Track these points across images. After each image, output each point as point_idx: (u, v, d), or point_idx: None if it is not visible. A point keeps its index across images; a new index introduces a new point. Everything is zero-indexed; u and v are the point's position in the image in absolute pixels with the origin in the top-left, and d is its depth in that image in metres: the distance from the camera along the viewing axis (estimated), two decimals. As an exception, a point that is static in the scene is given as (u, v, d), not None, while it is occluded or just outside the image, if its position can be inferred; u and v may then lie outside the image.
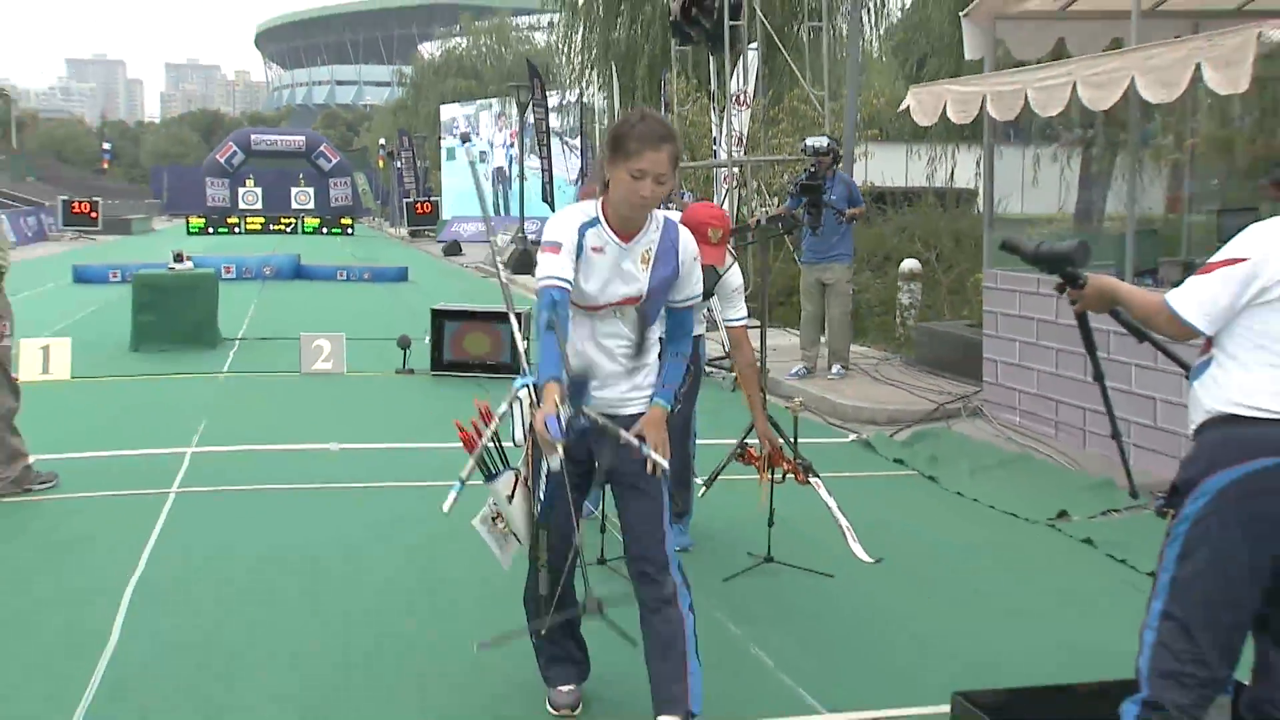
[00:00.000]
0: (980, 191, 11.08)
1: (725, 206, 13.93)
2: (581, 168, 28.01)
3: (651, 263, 3.51)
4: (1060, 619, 4.80)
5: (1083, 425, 7.49)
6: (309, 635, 4.45)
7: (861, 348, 11.79)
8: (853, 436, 8.40)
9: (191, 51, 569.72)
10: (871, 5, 20.66)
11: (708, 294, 5.00)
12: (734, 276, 5.41)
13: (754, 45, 13.19)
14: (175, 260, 12.38)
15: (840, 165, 10.25)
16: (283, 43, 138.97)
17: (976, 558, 5.68)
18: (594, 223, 3.47)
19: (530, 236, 24.53)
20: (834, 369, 10.27)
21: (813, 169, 9.44)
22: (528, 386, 3.59)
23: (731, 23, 12.16)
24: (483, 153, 40.57)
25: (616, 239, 3.46)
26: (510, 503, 3.66)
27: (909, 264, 12.73)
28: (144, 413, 8.70)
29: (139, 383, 10.01)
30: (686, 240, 3.59)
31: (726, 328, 5.41)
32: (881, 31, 22.72)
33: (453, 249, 30.69)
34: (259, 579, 5.09)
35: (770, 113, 17.00)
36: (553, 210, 25.95)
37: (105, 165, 60.55)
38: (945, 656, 4.37)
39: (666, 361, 3.65)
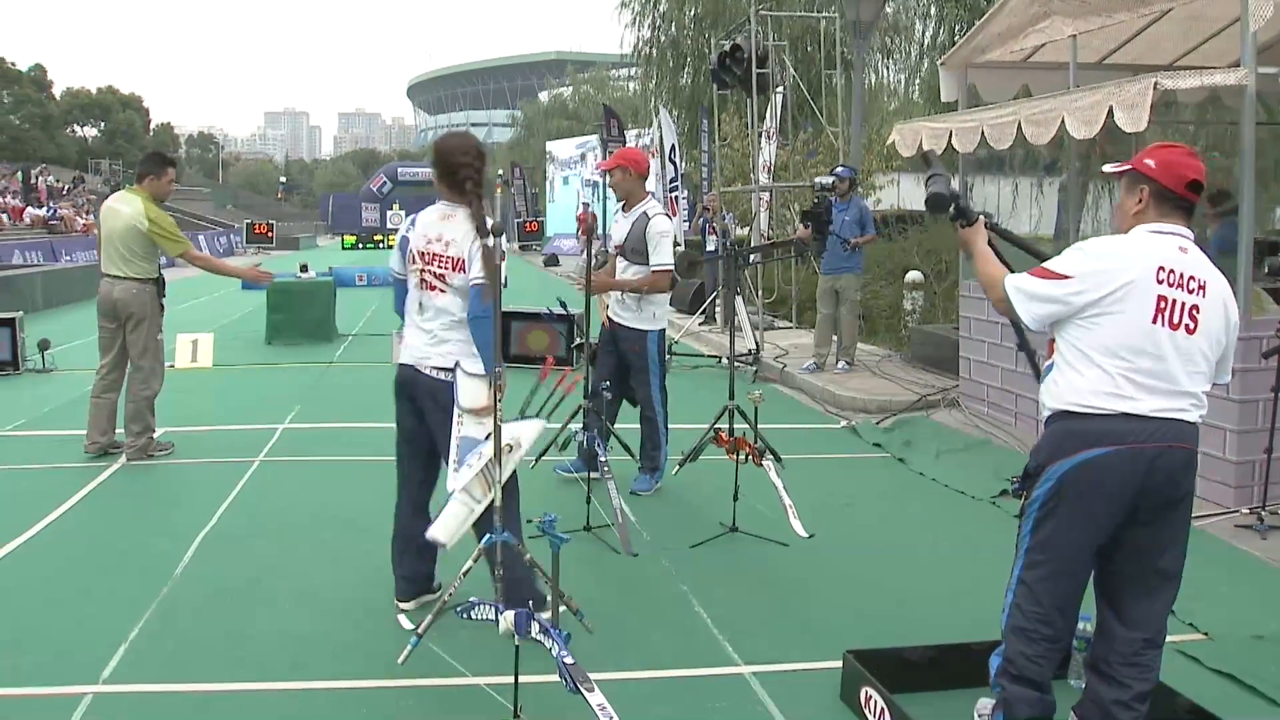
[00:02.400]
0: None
1: (763, 226, 13.69)
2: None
3: None
4: (984, 585, 4.52)
5: (1036, 415, 7.13)
6: (329, 583, 4.41)
7: (870, 346, 11.46)
8: (843, 423, 8.15)
9: (359, 102, 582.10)
10: (896, 56, 20.22)
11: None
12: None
13: (779, 89, 12.91)
14: (301, 270, 12.56)
15: (855, 192, 9.94)
16: (429, 93, 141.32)
17: (920, 531, 5.43)
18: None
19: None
20: (840, 364, 10.00)
21: (816, 200, 9.23)
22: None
23: (759, 70, 11.88)
24: (587, 180, 40.51)
25: None
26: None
27: (912, 275, 12.40)
28: (257, 394, 8.79)
29: (262, 370, 10.15)
30: None
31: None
32: (920, 77, 22.14)
33: (552, 261, 30.73)
34: (303, 534, 5.08)
35: (811, 145, 16.70)
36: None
37: (281, 195, 62.63)
38: (870, 617, 4.17)
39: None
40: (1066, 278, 2.81)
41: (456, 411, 3.51)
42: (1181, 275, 2.77)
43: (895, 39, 20.14)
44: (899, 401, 8.64)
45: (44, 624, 3.92)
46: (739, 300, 11.10)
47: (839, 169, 9.84)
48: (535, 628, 2.83)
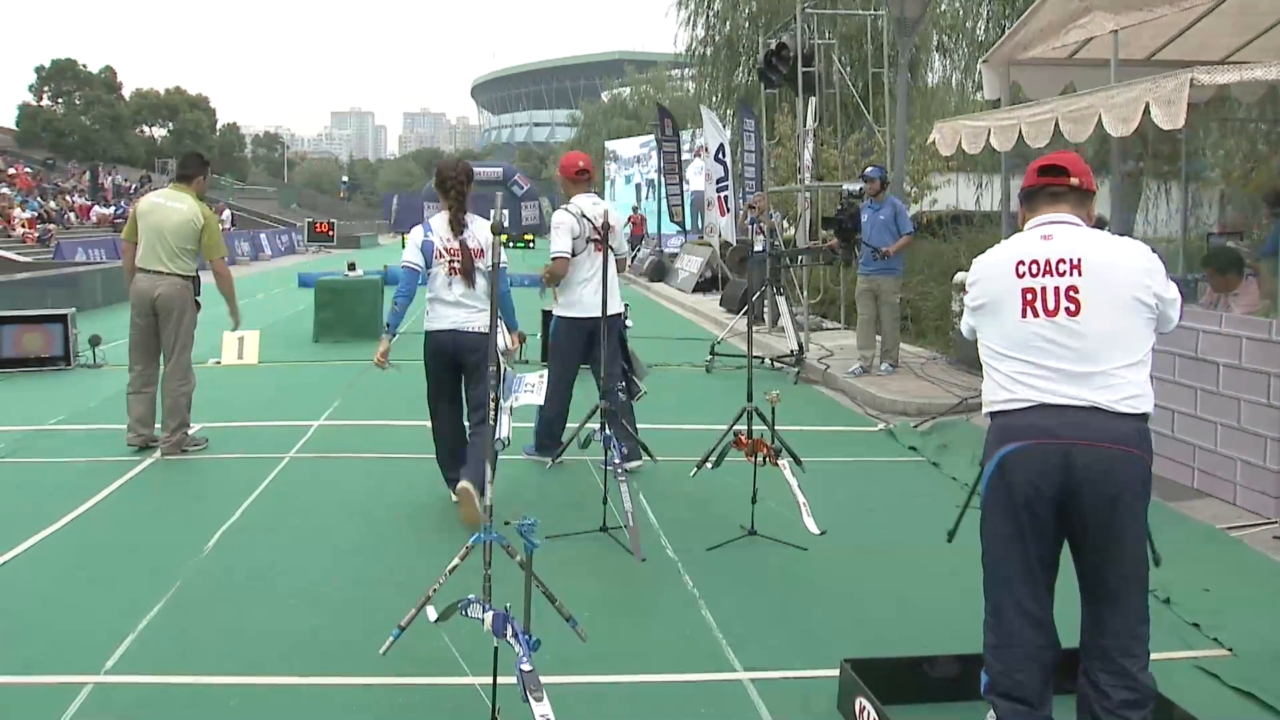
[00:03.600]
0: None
1: (805, 226, 13.55)
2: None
3: None
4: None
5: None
6: (334, 580, 4.46)
7: (917, 348, 11.30)
8: (880, 426, 8.03)
9: (424, 102, 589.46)
10: (953, 55, 19.83)
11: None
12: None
13: (828, 88, 12.78)
14: (349, 269, 12.75)
15: (888, 190, 9.80)
16: (492, 93, 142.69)
17: (943, 536, 5.30)
18: None
19: (666, 251, 24.26)
20: (883, 366, 9.89)
21: (841, 207, 9.16)
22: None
23: (805, 69, 11.76)
24: (648, 178, 40.46)
25: None
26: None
27: (960, 276, 12.16)
28: (298, 391, 8.93)
29: (305, 367, 10.30)
30: None
31: None
32: (973, 76, 21.75)
33: (609, 259, 30.65)
34: (319, 531, 5.14)
35: (867, 145, 16.48)
36: (682, 228, 25.59)
37: (342, 195, 63.70)
38: (882, 625, 4.10)
39: None
40: (966, 293, 2.99)
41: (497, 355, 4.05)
42: (1046, 262, 2.78)
43: (952, 37, 19.74)
44: (938, 404, 8.50)
45: (55, 615, 4.02)
46: (782, 301, 11.01)
47: (868, 170, 9.75)
48: (509, 631, 2.82)
